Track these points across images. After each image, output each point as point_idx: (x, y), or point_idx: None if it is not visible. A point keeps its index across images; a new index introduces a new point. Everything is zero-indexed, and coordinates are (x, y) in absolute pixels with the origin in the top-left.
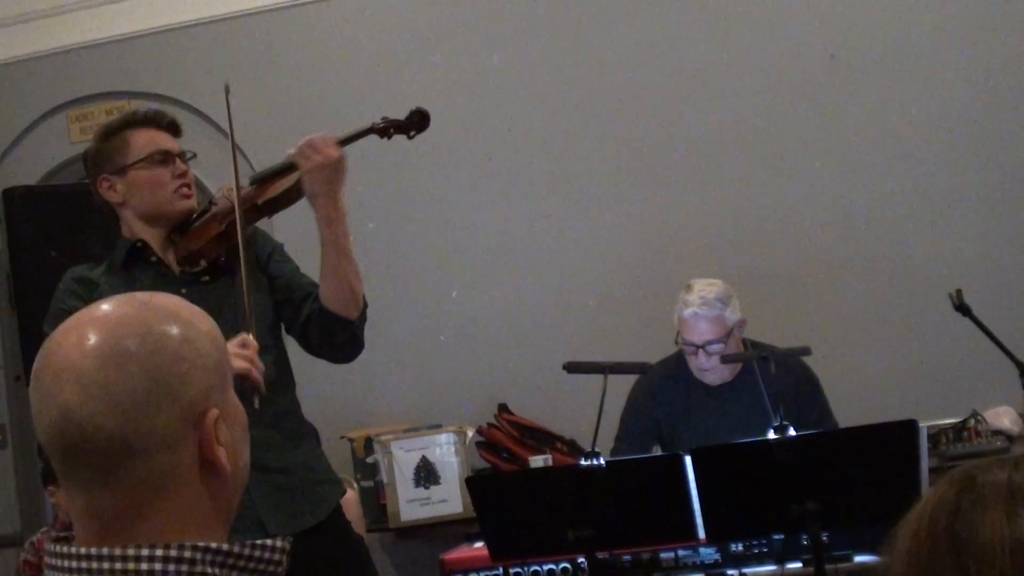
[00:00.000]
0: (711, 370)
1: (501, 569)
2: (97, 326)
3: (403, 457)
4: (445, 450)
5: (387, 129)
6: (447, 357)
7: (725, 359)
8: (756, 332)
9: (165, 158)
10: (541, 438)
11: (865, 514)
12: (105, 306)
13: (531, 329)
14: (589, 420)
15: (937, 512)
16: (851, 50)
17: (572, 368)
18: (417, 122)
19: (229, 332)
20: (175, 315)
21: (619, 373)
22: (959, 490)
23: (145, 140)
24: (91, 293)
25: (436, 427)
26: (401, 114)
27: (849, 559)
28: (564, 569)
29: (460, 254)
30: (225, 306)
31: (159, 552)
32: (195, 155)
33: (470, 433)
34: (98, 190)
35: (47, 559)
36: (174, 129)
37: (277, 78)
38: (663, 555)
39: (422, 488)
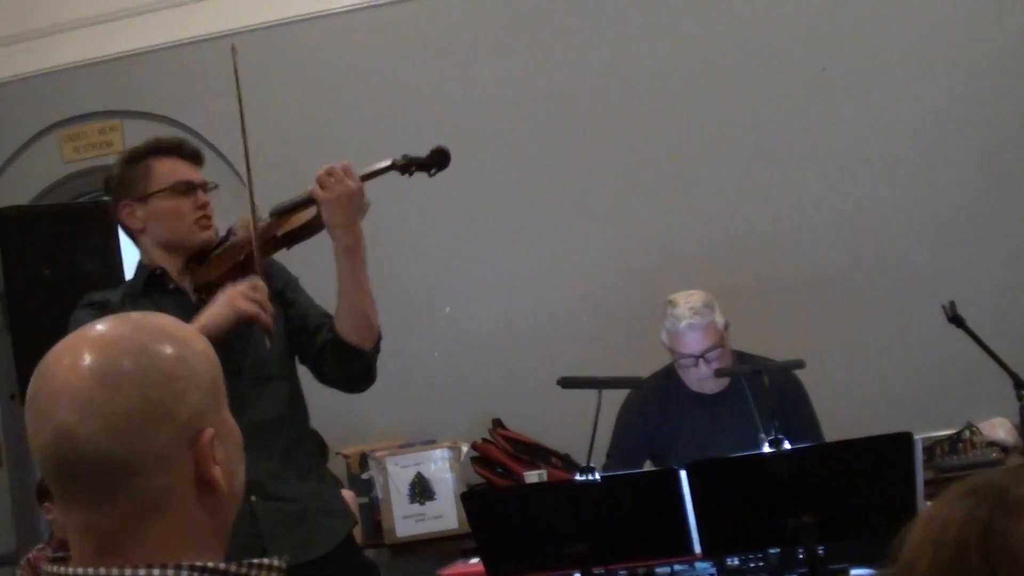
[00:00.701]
0: (709, 378)
1: None
2: (92, 346)
3: (398, 473)
4: (440, 466)
5: (408, 167)
6: (441, 373)
7: (719, 373)
8: (749, 344)
9: (187, 189)
10: (536, 453)
11: (861, 527)
12: (100, 326)
13: (524, 344)
14: (583, 435)
15: (967, 529)
16: (841, 62)
17: (567, 383)
18: (438, 160)
19: (244, 359)
20: (169, 334)
21: (613, 388)
22: (992, 506)
23: (168, 170)
24: None
25: (431, 443)
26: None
27: (845, 572)
28: None
29: (453, 270)
30: (241, 334)
31: (156, 572)
32: (217, 186)
33: (465, 449)
34: (119, 215)
35: None
36: (197, 159)
37: (269, 97)
38: (659, 570)
39: (417, 504)
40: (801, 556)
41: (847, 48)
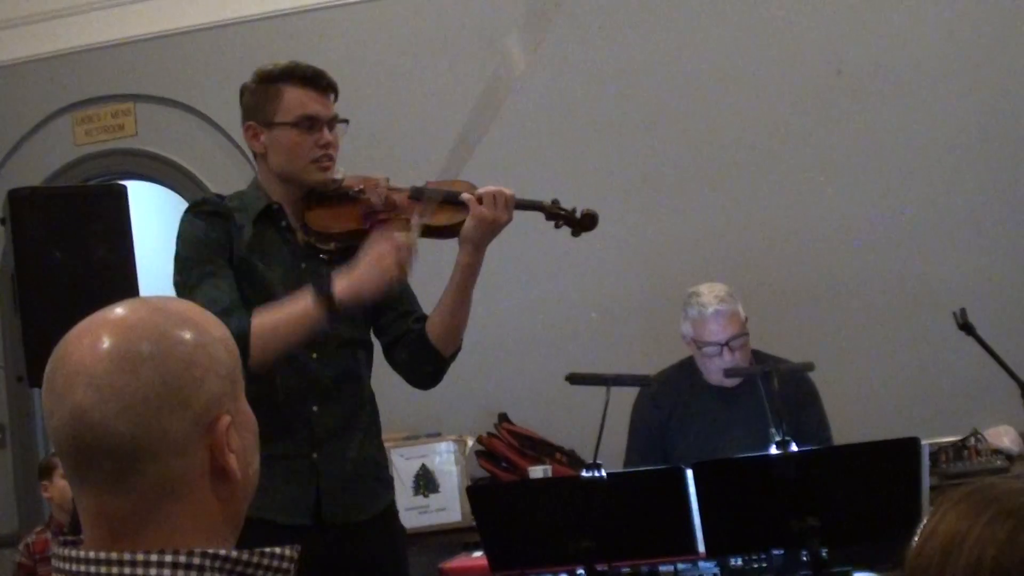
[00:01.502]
0: (731, 365)
1: None
2: (111, 329)
3: (403, 465)
4: (445, 459)
5: (556, 216)
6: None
7: (729, 373)
8: (759, 347)
9: (312, 124)
10: (541, 448)
11: (866, 531)
12: (119, 309)
13: (532, 340)
14: (589, 432)
15: (1005, 551)
16: (857, 66)
17: (575, 379)
18: (587, 225)
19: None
20: (189, 320)
21: (621, 386)
22: (1017, 522)
23: (297, 101)
24: (229, 231)
25: (436, 435)
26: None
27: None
28: None
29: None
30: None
31: (168, 558)
32: (347, 122)
33: (470, 442)
34: (244, 133)
35: (54, 562)
36: (333, 91)
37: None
38: (662, 568)
39: (421, 496)
40: (805, 558)
41: (863, 52)
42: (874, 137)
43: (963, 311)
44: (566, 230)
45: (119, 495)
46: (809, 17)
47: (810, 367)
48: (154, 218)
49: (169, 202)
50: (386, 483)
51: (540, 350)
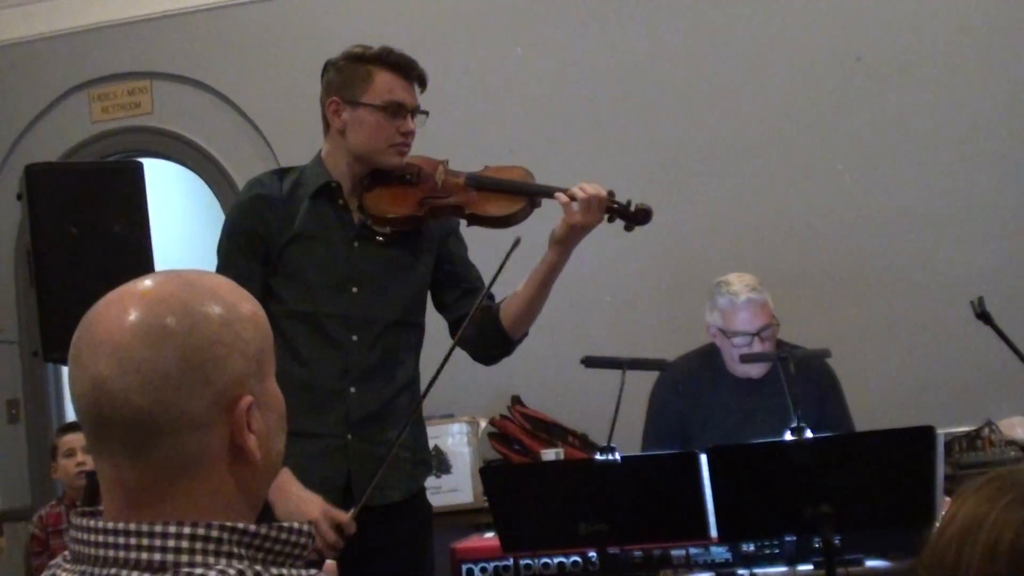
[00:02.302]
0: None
1: (512, 560)
2: (139, 302)
3: None
4: (457, 440)
5: (611, 210)
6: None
7: (744, 359)
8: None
9: (397, 111)
10: (553, 432)
11: (879, 519)
12: (148, 282)
13: (546, 323)
14: (601, 415)
15: (1022, 535)
16: (877, 52)
17: (590, 363)
18: (641, 219)
19: (376, 297)
20: (219, 297)
21: (637, 369)
22: None
23: (387, 86)
24: (267, 218)
25: (449, 416)
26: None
27: (860, 563)
28: (575, 562)
29: (477, 245)
30: (387, 270)
31: (186, 530)
32: (427, 114)
33: (483, 424)
34: (325, 107)
35: (72, 532)
36: (420, 82)
37: (300, 62)
38: (674, 552)
39: (433, 477)
40: (817, 545)
41: (882, 38)
42: (893, 124)
43: (981, 300)
44: (620, 224)
45: (136, 467)
46: (829, 3)
47: (826, 354)
48: (170, 196)
49: (185, 180)
50: (423, 466)
51: (554, 334)
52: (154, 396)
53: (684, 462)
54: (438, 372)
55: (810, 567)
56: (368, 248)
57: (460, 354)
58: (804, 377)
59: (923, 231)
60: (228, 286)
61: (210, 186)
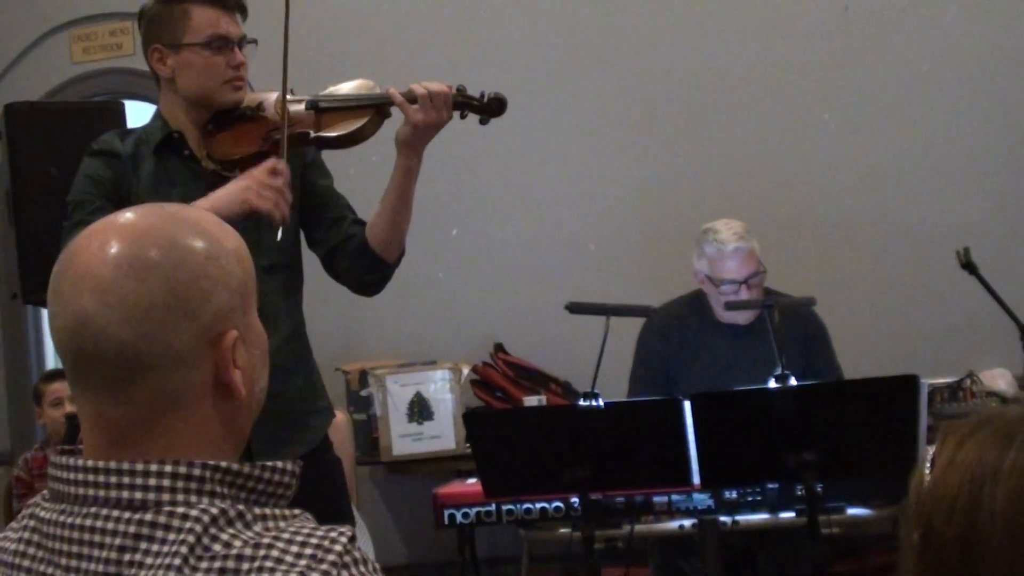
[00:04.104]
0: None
1: (494, 505)
2: (121, 234)
3: (397, 392)
4: (440, 386)
5: (462, 106)
6: (445, 294)
7: (730, 306)
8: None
9: (223, 44)
10: (536, 379)
11: (862, 467)
12: (130, 214)
13: (530, 270)
14: (584, 362)
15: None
16: (864, 2)
17: (574, 308)
18: (495, 109)
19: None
20: (202, 230)
21: (622, 315)
22: None
23: (206, 21)
24: (117, 171)
25: (431, 363)
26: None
27: (842, 511)
28: (557, 508)
29: (461, 192)
30: (251, 220)
31: (168, 468)
32: (255, 42)
33: (465, 371)
34: (148, 58)
35: (51, 471)
36: (240, 10)
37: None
38: (656, 499)
39: (415, 423)
40: (799, 493)
41: None
42: (880, 74)
43: (967, 250)
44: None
45: (119, 403)
46: None
47: (812, 302)
48: None
49: None
50: (321, 413)
51: (537, 281)
52: (138, 330)
53: (667, 409)
54: None
55: (792, 514)
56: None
57: (443, 301)
58: (790, 325)
59: (910, 181)
60: (212, 220)
61: None
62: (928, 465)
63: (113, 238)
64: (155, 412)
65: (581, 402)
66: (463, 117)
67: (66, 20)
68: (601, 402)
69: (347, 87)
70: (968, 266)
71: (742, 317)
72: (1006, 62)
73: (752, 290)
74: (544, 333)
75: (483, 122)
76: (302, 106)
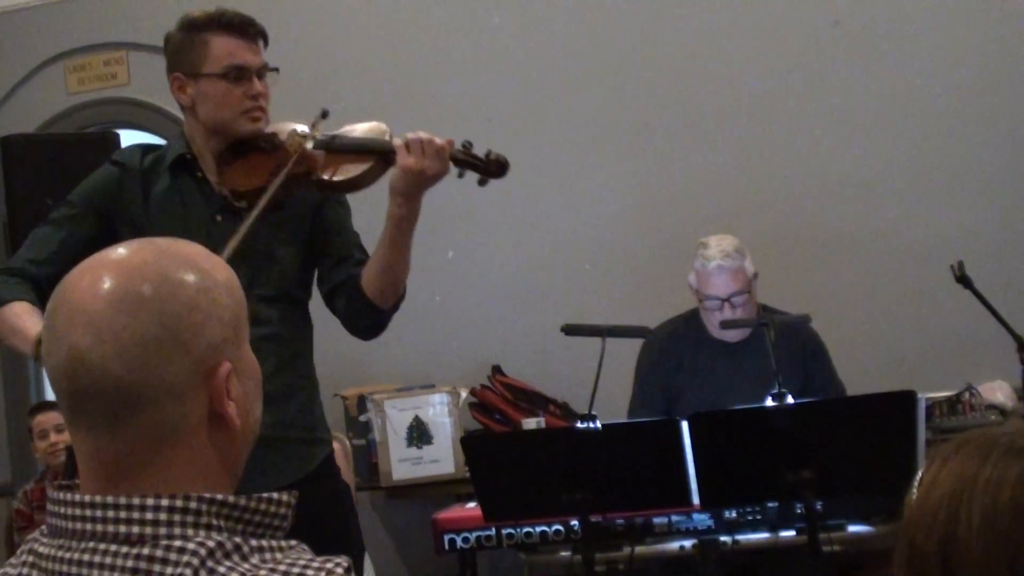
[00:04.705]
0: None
1: (494, 529)
2: (113, 270)
3: (396, 416)
4: (438, 410)
5: (462, 163)
6: (442, 318)
7: (724, 325)
8: (762, 300)
9: (241, 75)
10: (534, 401)
11: (860, 484)
12: (122, 250)
13: (526, 292)
14: (582, 384)
15: (1020, 489)
16: (855, 17)
17: (570, 330)
18: (496, 172)
19: (240, 272)
20: (193, 264)
21: (618, 336)
22: None
23: (225, 51)
24: (119, 183)
25: (429, 387)
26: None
27: (842, 528)
28: (557, 531)
29: (457, 215)
30: (258, 248)
31: (164, 502)
32: (277, 70)
33: (463, 394)
34: (170, 85)
35: (49, 506)
36: (260, 39)
37: (273, 29)
38: (656, 520)
39: (414, 448)
40: (799, 511)
41: (861, 3)
42: (871, 88)
43: (961, 264)
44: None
45: (115, 438)
46: None
47: (807, 319)
48: None
49: None
50: (316, 444)
51: (534, 302)
52: (132, 365)
53: (665, 429)
54: None
55: (792, 533)
56: (230, 222)
57: (440, 324)
58: (787, 342)
59: (904, 195)
60: (202, 253)
61: None
62: (916, 484)
63: (105, 274)
64: (151, 446)
65: (579, 424)
66: (460, 176)
67: (60, 51)
68: (599, 424)
69: (360, 128)
70: (962, 280)
71: (730, 334)
72: (997, 75)
73: (736, 308)
74: (542, 355)
75: (481, 183)
76: (311, 144)
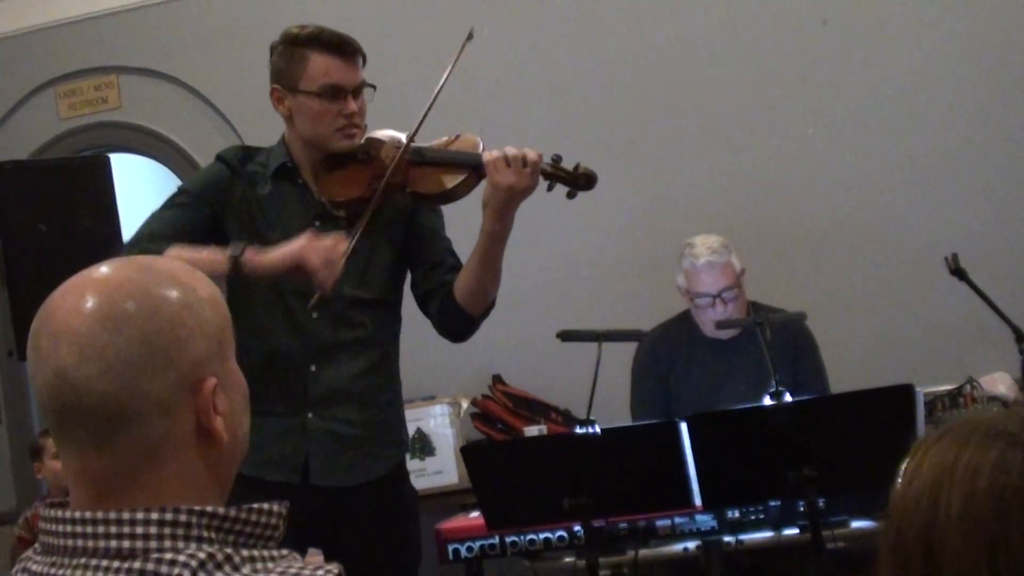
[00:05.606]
0: (724, 317)
1: (497, 538)
2: (96, 289)
3: None
4: (440, 421)
5: (552, 176)
6: None
7: (720, 325)
8: (754, 297)
9: (336, 93)
10: (535, 408)
11: (861, 480)
12: (104, 268)
13: (524, 300)
14: (583, 390)
15: (1001, 472)
16: (843, 15)
17: (566, 336)
18: (583, 185)
19: (348, 280)
20: (176, 280)
21: (613, 341)
22: None
23: (322, 69)
24: (224, 177)
25: (430, 399)
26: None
27: (845, 525)
28: (560, 537)
29: (453, 225)
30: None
31: (154, 516)
32: (374, 87)
33: (464, 404)
34: (270, 95)
35: (41, 524)
36: (358, 57)
37: (266, 49)
38: (659, 523)
39: (417, 460)
40: (801, 509)
41: (848, 2)
42: (862, 86)
43: (955, 256)
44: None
45: (102, 456)
46: None
47: (802, 317)
48: (140, 190)
49: (155, 173)
50: (394, 446)
51: (531, 310)
52: (118, 382)
53: (664, 431)
54: None
55: (796, 531)
56: (329, 227)
57: (438, 336)
58: (780, 340)
59: (897, 191)
60: (185, 269)
61: (180, 178)
62: (900, 474)
63: (88, 293)
64: (139, 462)
65: (578, 430)
66: (550, 189)
67: (50, 77)
68: (598, 429)
69: (456, 143)
70: (957, 272)
71: (723, 332)
72: (987, 71)
73: (727, 304)
74: (541, 362)
75: (570, 196)
76: (408, 155)
